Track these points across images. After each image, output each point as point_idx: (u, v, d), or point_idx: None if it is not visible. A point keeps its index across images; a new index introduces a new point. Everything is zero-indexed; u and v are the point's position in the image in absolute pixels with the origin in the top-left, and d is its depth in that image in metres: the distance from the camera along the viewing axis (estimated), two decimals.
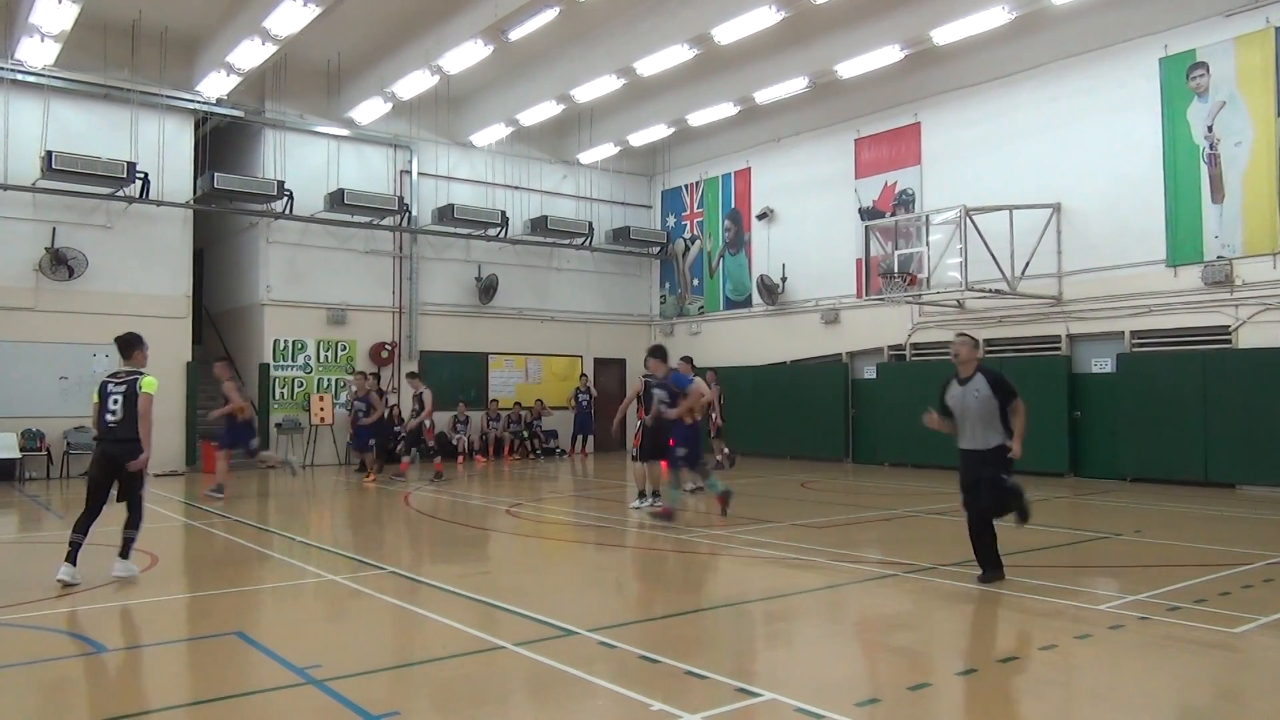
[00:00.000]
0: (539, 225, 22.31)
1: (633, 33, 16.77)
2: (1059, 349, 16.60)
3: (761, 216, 22.21)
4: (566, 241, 23.11)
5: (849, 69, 17.09)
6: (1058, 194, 16.61)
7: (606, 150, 22.62)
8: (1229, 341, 14.57)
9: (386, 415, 19.57)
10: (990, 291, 16.21)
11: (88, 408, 17.91)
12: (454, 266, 21.95)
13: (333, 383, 20.27)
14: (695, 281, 24.20)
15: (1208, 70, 14.75)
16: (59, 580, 7.46)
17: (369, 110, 19.42)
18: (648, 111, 20.76)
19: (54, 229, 17.07)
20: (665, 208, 25.11)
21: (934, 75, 18.23)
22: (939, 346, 18.53)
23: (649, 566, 8.88)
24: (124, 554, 7.94)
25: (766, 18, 14.72)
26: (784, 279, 21.55)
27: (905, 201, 19.08)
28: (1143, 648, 5.77)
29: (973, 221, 15.63)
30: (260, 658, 5.59)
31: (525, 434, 21.99)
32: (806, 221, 21.21)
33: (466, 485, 16.14)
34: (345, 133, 20.34)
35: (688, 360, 14.56)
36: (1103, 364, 16.10)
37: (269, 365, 19.55)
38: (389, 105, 19.12)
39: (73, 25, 15.00)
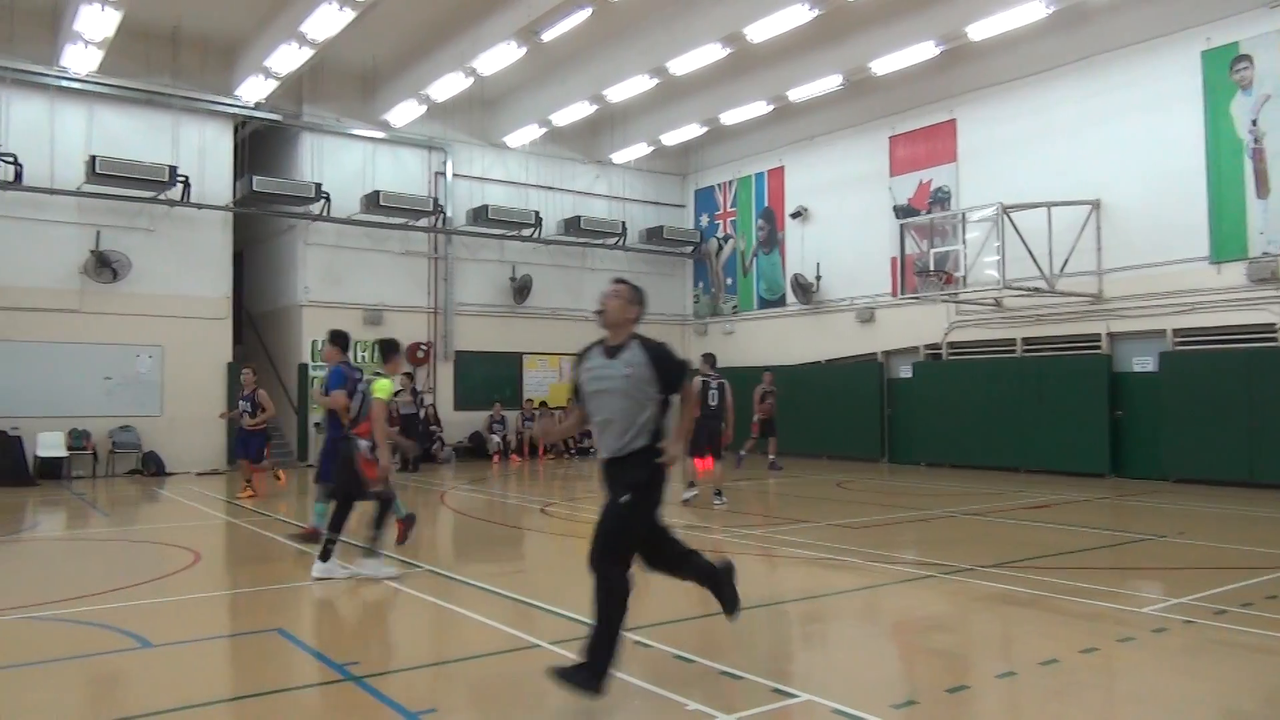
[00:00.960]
0: (572, 225, 22.38)
1: (665, 32, 16.77)
2: (1099, 348, 16.35)
3: (795, 215, 22.11)
4: (600, 241, 23.17)
5: (883, 66, 16.97)
6: (1097, 190, 16.37)
7: (639, 150, 22.64)
8: (1275, 339, 14.28)
9: (423, 414, 19.77)
10: (1028, 289, 16.03)
11: (130, 407, 18.38)
12: (488, 267, 22.08)
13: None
14: (729, 281, 24.14)
15: (1251, 63, 14.46)
16: (315, 577, 7.64)
17: (404, 113, 19.60)
18: (680, 111, 20.75)
19: (98, 232, 17.41)
20: (698, 207, 25.08)
21: (970, 71, 18.04)
22: (976, 346, 18.36)
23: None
24: (323, 557, 7.88)
25: (800, 15, 14.66)
26: (818, 278, 21.44)
27: (941, 199, 18.91)
28: (1187, 652, 5.67)
29: (1010, 219, 15.44)
30: (300, 654, 5.66)
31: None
32: (841, 220, 21.09)
33: (502, 484, 16.23)
34: (381, 135, 20.54)
35: (709, 358, 14.57)
36: (1144, 363, 15.85)
37: (307, 365, 19.80)
38: (424, 108, 19.29)
39: (115, 32, 15.30)
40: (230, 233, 19.18)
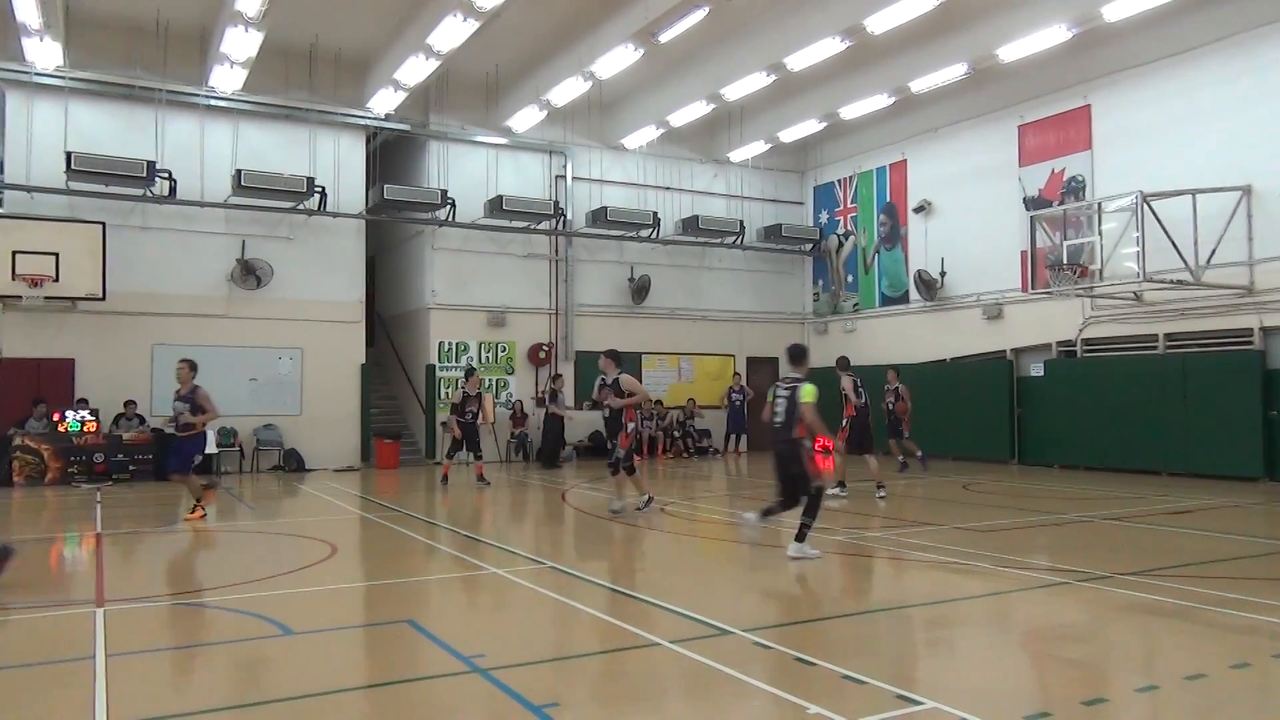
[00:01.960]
0: (690, 225, 22.42)
1: (782, 28, 16.61)
2: (1251, 343, 15.34)
3: (919, 209, 21.56)
4: (718, 240, 23.13)
5: (1011, 52, 16.34)
6: (1247, 175, 15.36)
7: (757, 148, 22.49)
8: None
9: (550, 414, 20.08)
10: (1171, 282, 15.16)
11: (273, 407, 19.38)
12: (607, 268, 22.34)
13: (494, 383, 21.02)
14: (849, 278, 23.72)
15: None
16: (791, 556, 8.41)
17: (525, 119, 20.03)
18: (798, 106, 20.51)
19: (243, 241, 18.46)
20: (818, 204, 24.74)
21: (1105, 54, 17.20)
22: (1114, 342, 17.51)
23: (803, 567, 8.78)
24: (799, 538, 8.51)
25: (922, 4, 14.30)
26: (943, 273, 20.84)
27: (1074, 189, 18.09)
28: None
29: (1150, 208, 14.64)
30: (429, 645, 5.87)
31: (677, 433, 22.14)
32: (967, 213, 20.44)
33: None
34: (503, 141, 21.05)
35: (844, 362, 14.56)
36: None
37: (434, 366, 20.48)
38: (544, 113, 19.67)
39: (257, 52, 16.19)
40: (363, 239, 20.02)
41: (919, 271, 21.24)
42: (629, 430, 11.96)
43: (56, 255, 16.23)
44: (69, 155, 16.45)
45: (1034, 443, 18.78)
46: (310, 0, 16.35)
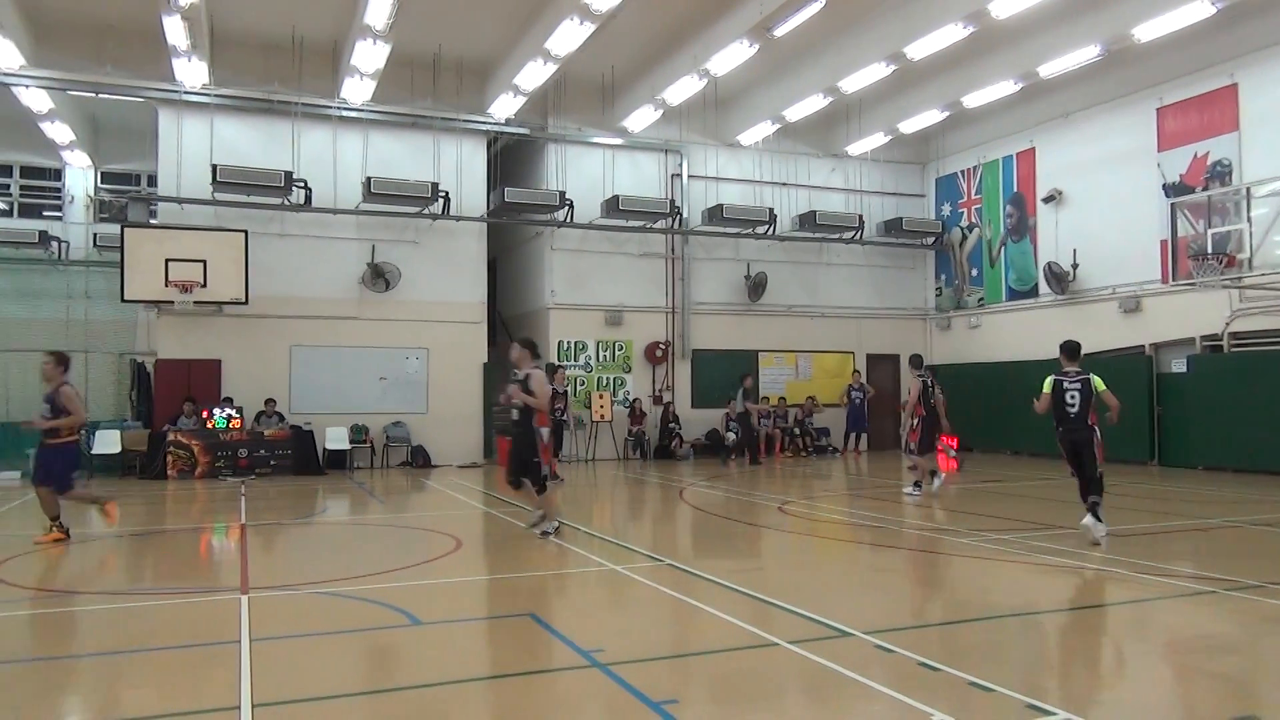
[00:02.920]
0: (807, 221, 22.13)
1: (902, 16, 16.21)
2: None
3: (1048, 199, 20.69)
4: (836, 236, 22.76)
5: (1149, 31, 15.48)
6: None
7: (876, 140, 22.02)
8: None
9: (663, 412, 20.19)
10: None
11: (401, 404, 20.03)
12: (724, 266, 22.28)
13: (611, 381, 21.26)
14: (974, 272, 22.97)
15: None
16: (1096, 540, 8.89)
17: (641, 118, 20.17)
18: (919, 96, 19.98)
19: (373, 246, 19.22)
20: (940, 196, 24.03)
21: (1253, 29, 16.13)
22: (1266, 336, 16.40)
23: (927, 569, 8.57)
24: (1095, 516, 9.07)
25: None
26: (1075, 265, 19.95)
27: (1220, 174, 17.03)
28: None
29: None
30: (550, 639, 5.99)
31: (796, 431, 21.90)
32: (1100, 202, 19.50)
33: (737, 482, 16.32)
34: (619, 141, 21.25)
35: (917, 360, 14.36)
36: None
37: (554, 365, 20.82)
38: (659, 112, 19.76)
39: (384, 63, 16.83)
40: (485, 242, 20.56)
41: (1049, 264, 20.39)
42: (545, 440, 9.73)
43: (204, 262, 17.28)
44: (214, 168, 17.47)
45: (1176, 443, 17.76)
46: (434, 11, 16.88)
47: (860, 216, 22.67)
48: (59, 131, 20.55)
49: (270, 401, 18.01)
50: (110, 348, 20.92)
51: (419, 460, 19.12)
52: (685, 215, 21.63)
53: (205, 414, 17.26)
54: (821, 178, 23.22)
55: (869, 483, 16.23)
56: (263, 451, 17.28)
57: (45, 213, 23.55)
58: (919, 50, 16.35)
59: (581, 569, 8.58)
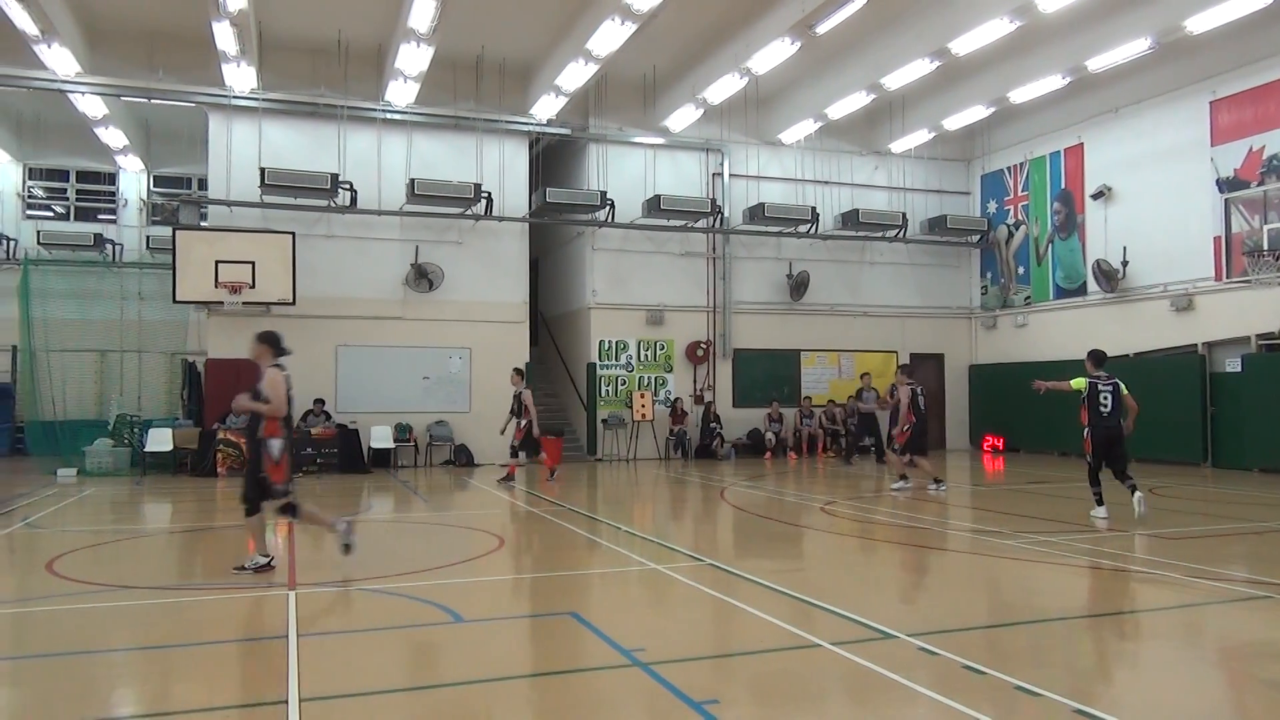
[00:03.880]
0: (850, 219, 21.95)
1: (947, 11, 16.03)
2: None
3: (1097, 196, 20.32)
4: (879, 234, 22.55)
5: (1202, 22, 15.13)
6: None
7: (920, 137, 21.79)
8: None
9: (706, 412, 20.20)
10: None
11: (444, 404, 20.19)
12: (765, 265, 22.19)
13: (653, 381, 21.27)
14: (1020, 270, 22.63)
15: None
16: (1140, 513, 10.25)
17: (682, 118, 20.16)
18: (964, 92, 19.73)
19: (416, 247, 19.42)
20: (985, 193, 23.71)
21: None
22: None
23: (972, 571, 8.46)
24: (1136, 490, 10.50)
25: None
26: (1125, 263, 19.57)
27: (1277, 168, 16.60)
28: None
29: None
30: (591, 638, 6.01)
31: (840, 431, 21.72)
32: (1151, 198, 19.11)
33: (779, 482, 16.25)
34: (660, 141, 21.25)
35: (908, 369, 14.93)
36: None
37: (595, 365, 20.91)
38: (700, 111, 19.73)
39: (428, 66, 17.00)
40: (526, 242, 20.68)
41: (1098, 261, 20.02)
42: (275, 454, 7.90)
43: (253, 264, 17.59)
44: (263, 171, 17.79)
45: (1229, 444, 17.35)
46: (476, 13, 17.01)
47: (903, 214, 22.44)
48: (113, 137, 21.08)
49: (319, 401, 18.28)
50: (162, 348, 21.38)
51: (462, 459, 19.29)
52: (726, 214, 21.57)
53: None
54: (864, 176, 23.03)
55: (913, 484, 16.05)
56: (309, 450, 17.53)
57: (100, 216, 24.19)
58: (964, 45, 16.15)
59: (623, 568, 8.60)
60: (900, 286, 23.34)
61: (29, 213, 23.48)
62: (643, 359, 21.32)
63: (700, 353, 21.52)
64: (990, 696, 4.72)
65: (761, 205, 21.01)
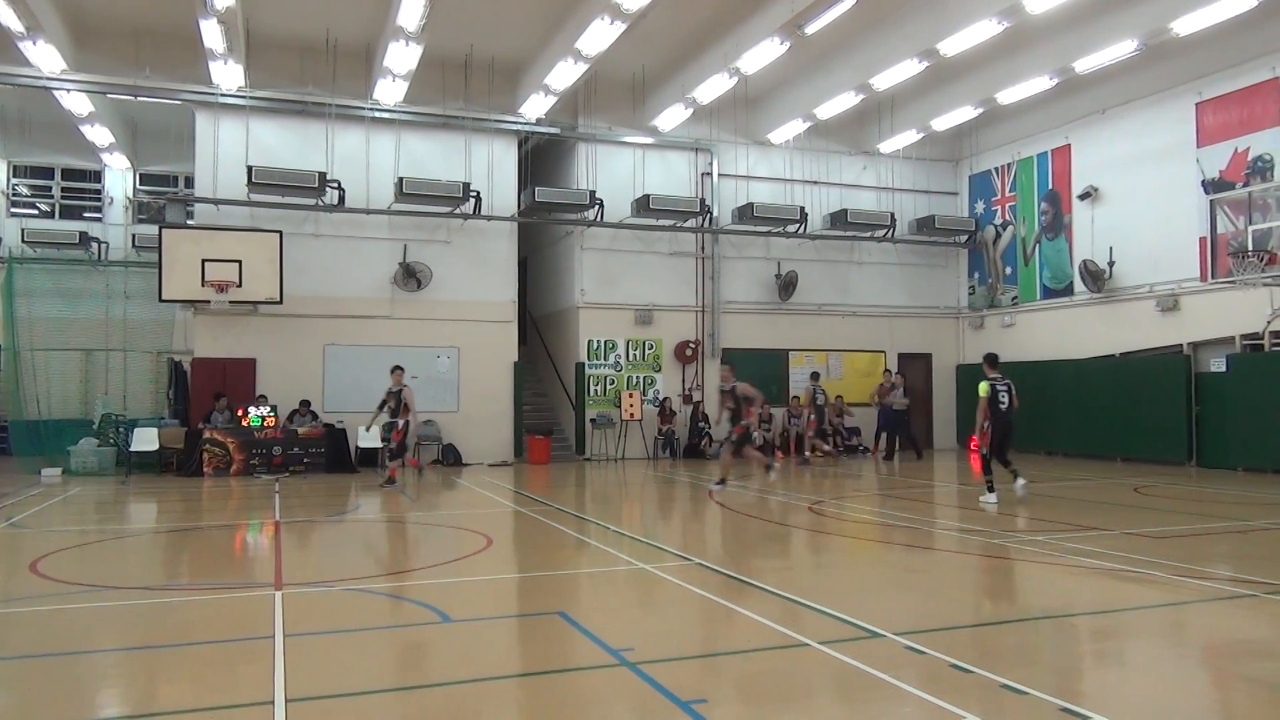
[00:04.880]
0: (838, 219, 22.00)
1: (935, 12, 16.08)
2: None
3: (1084, 196, 20.43)
4: (867, 234, 22.61)
5: (1188, 24, 15.23)
6: None
7: (908, 137, 21.85)
8: None
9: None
10: None
11: (432, 403, 20.08)
12: (754, 264, 22.22)
13: (641, 380, 21.27)
14: (1008, 270, 22.73)
15: None
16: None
17: (671, 117, 20.16)
18: (953, 93, 19.81)
19: (405, 246, 19.37)
20: (973, 193, 23.80)
21: None
22: None
23: (959, 570, 8.50)
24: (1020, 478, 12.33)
25: None
26: (1111, 263, 19.68)
27: (1261, 169, 16.71)
28: None
29: None
30: (580, 637, 6.01)
31: (828, 431, 21.77)
32: (1138, 199, 19.22)
33: (767, 481, 16.27)
34: (649, 140, 21.25)
35: (816, 375, 15.06)
36: None
37: (584, 364, 20.89)
38: (689, 111, 19.75)
39: (417, 64, 16.95)
40: (515, 241, 20.65)
41: (1085, 261, 20.13)
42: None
43: (240, 262, 17.50)
44: (250, 169, 17.70)
45: (1214, 443, 17.47)
46: (465, 12, 16.97)
47: (892, 214, 22.51)
48: (99, 134, 20.94)
49: (305, 403, 18.20)
50: (148, 347, 21.25)
51: (450, 459, 19.24)
52: (715, 214, 21.59)
53: (240, 412, 17.49)
54: (853, 176, 23.09)
55: (899, 483, 16.11)
56: (296, 449, 17.46)
57: (85, 214, 24.02)
58: (952, 46, 16.20)
59: (611, 568, 8.60)
60: (888, 286, 23.41)
61: (13, 210, 23.29)
62: (631, 358, 21.31)
63: (689, 352, 21.53)
64: (977, 695, 4.74)
65: (750, 205, 21.04)
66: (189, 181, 21.64)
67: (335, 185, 18.63)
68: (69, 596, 7.23)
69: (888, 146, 22.45)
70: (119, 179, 23.86)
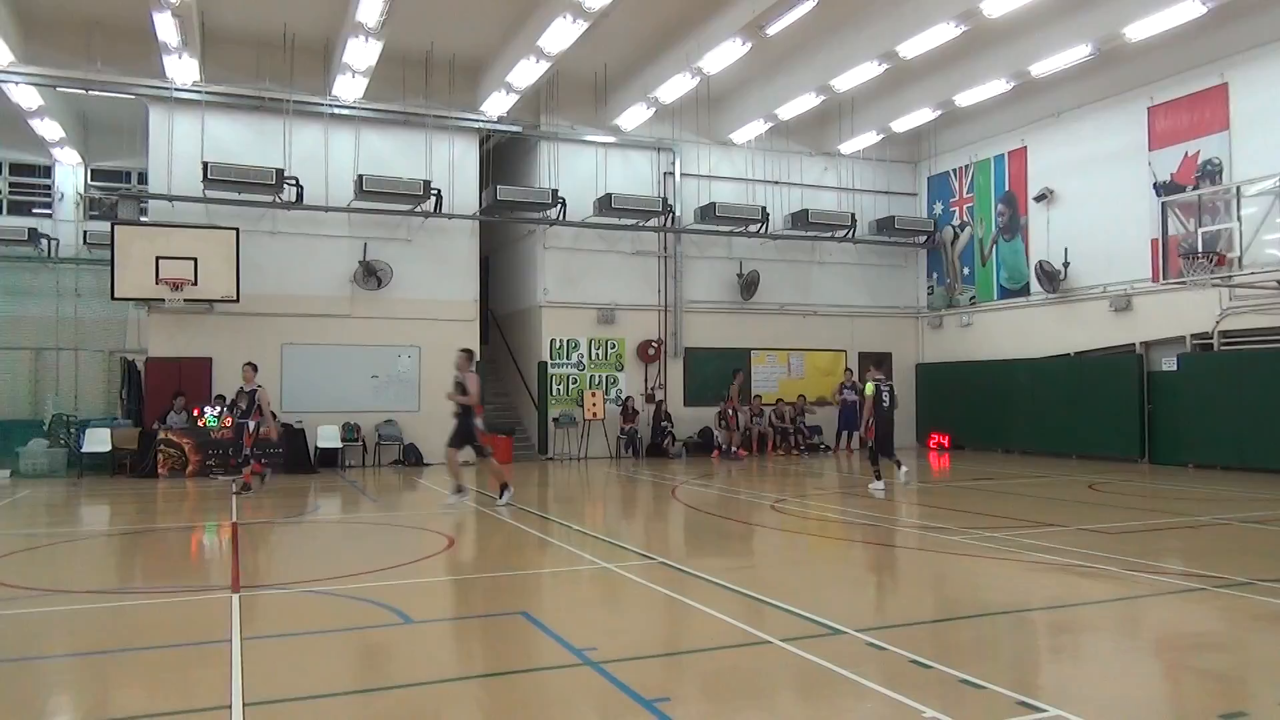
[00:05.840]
0: (800, 219, 22.15)
1: (894, 15, 16.24)
2: None
3: (1040, 198, 20.76)
4: (828, 235, 22.79)
5: (1140, 30, 15.54)
6: None
7: (869, 139, 22.06)
8: None
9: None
10: None
11: (393, 403, 19.91)
12: (716, 264, 22.29)
13: (604, 379, 21.25)
14: (966, 271, 23.03)
15: None
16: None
17: (633, 116, 20.17)
18: (912, 95, 20.02)
19: (365, 244, 19.17)
20: (932, 194, 24.09)
21: (1244, 28, 16.21)
22: (1255, 334, 16.50)
23: (919, 567, 8.59)
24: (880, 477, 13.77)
25: None
26: (1066, 264, 20.02)
27: (1210, 173, 17.10)
28: None
29: None
30: (542, 637, 5.98)
31: (790, 429, 21.92)
32: (1092, 201, 19.57)
33: (730, 480, 16.34)
34: (612, 140, 21.24)
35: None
36: None
37: (546, 363, 20.83)
38: (652, 110, 19.77)
39: (376, 61, 16.78)
40: (477, 240, 20.52)
41: (1040, 262, 20.45)
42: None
43: (195, 260, 17.20)
44: (205, 165, 17.40)
45: (1166, 440, 17.85)
46: (426, 8, 16.82)
47: (852, 215, 22.70)
48: (48, 129, 20.46)
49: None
50: (100, 346, 20.86)
51: (411, 459, 19.08)
52: (678, 213, 21.63)
53: (196, 412, 17.20)
54: (814, 176, 23.25)
55: (861, 481, 16.26)
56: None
57: (35, 210, 23.47)
58: (911, 49, 16.38)
59: (573, 567, 8.58)
60: (849, 286, 23.61)
61: None
62: (594, 358, 21.28)
63: (651, 351, 21.55)
64: (937, 690, 4.79)
65: (713, 205, 21.11)
66: (142, 177, 21.24)
67: (293, 182, 18.38)
68: (18, 601, 7.06)
69: (848, 147, 22.64)
70: (70, 174, 23.35)
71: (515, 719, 4.57)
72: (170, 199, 17.93)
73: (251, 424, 13.89)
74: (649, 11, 16.91)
